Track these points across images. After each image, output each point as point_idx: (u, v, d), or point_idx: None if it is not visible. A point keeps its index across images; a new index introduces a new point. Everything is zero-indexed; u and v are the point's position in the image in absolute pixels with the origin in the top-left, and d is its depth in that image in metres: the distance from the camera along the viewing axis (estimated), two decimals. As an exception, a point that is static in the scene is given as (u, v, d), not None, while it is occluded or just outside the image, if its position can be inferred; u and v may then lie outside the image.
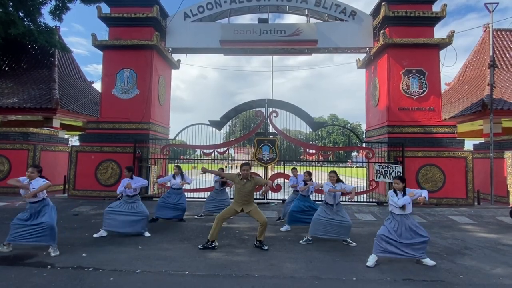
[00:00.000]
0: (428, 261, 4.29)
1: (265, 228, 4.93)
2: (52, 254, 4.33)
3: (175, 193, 6.92)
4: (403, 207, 4.29)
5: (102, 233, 5.49)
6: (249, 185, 4.85)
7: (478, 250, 5.11)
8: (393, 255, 4.26)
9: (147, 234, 5.60)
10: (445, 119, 11.67)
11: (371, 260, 4.27)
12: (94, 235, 5.44)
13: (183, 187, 7.30)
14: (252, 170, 9.69)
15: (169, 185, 7.36)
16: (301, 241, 5.35)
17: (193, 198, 9.35)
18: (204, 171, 5.39)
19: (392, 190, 4.44)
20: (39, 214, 4.43)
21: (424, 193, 4.26)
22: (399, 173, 8.95)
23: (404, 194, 4.31)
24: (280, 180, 9.66)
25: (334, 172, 5.43)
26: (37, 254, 4.37)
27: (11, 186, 4.37)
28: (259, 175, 9.11)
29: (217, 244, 4.90)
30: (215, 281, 3.61)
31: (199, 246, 4.85)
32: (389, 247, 4.26)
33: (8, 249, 4.46)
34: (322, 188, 5.51)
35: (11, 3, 10.41)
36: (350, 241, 5.31)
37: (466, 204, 9.15)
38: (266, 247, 4.88)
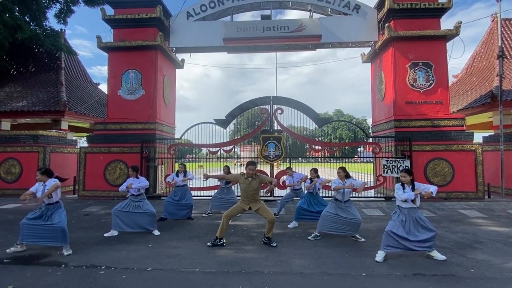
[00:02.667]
0: (438, 255, 4.26)
1: (273, 225, 4.94)
2: (65, 253, 4.43)
3: (180, 190, 7.02)
4: (413, 201, 4.25)
5: (113, 232, 5.59)
6: (255, 184, 4.87)
7: (489, 244, 5.05)
8: (401, 250, 4.25)
9: (156, 232, 5.67)
10: (453, 111, 11.49)
11: (380, 255, 4.26)
12: (105, 235, 5.54)
13: (189, 185, 7.39)
14: (258, 168, 9.75)
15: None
16: (309, 237, 5.36)
17: (200, 196, 9.43)
18: (206, 177, 5.39)
19: (400, 183, 4.40)
20: (51, 217, 4.55)
21: (432, 189, 4.18)
22: (406, 168, 8.85)
23: (413, 188, 4.27)
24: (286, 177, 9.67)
25: (343, 168, 5.36)
26: (51, 254, 4.47)
27: (26, 198, 4.50)
28: (265, 173, 9.17)
29: (225, 241, 4.94)
30: (225, 278, 3.65)
31: (208, 244, 4.90)
32: (396, 244, 4.25)
33: (22, 248, 4.58)
34: (330, 184, 5.48)
35: (17, 8, 10.57)
36: (359, 237, 5.29)
37: (476, 198, 9.03)
38: (274, 244, 4.91)
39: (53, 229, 4.47)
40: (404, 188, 4.29)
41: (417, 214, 4.33)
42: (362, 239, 5.26)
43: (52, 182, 4.54)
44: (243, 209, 4.99)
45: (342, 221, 5.22)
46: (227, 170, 7.39)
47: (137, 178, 5.75)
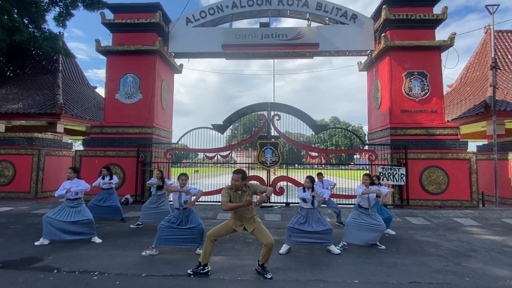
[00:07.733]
0: (334, 249, 4.90)
1: (270, 251, 3.84)
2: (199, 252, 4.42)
3: (105, 193, 7.16)
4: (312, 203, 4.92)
5: (43, 241, 5.09)
6: (247, 197, 3.78)
7: (484, 252, 5.08)
8: (303, 243, 4.97)
9: (97, 240, 5.31)
10: (447, 120, 11.66)
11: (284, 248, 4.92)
12: (36, 243, 5.06)
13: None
14: (255, 174, 9.71)
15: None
16: (337, 246, 5.04)
17: (202, 201, 9.37)
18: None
19: (302, 187, 5.08)
20: (188, 219, 4.80)
21: (326, 194, 5.02)
22: (402, 175, 8.94)
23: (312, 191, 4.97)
24: (283, 183, 9.67)
25: (368, 175, 5.43)
26: (43, 259, 4.39)
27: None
28: (261, 179, 9.13)
29: (210, 268, 3.95)
30: (220, 285, 3.61)
31: (189, 271, 3.88)
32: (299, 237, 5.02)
33: (156, 252, 4.72)
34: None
35: (16, 10, 10.56)
36: (379, 244, 5.24)
37: (471, 206, 9.10)
38: (269, 275, 3.82)
39: (193, 231, 4.74)
40: (304, 191, 4.97)
41: (315, 214, 4.95)
42: (383, 246, 5.22)
43: (193, 189, 4.76)
44: (233, 230, 3.94)
45: (367, 227, 5.19)
46: (160, 174, 6.58)
47: (77, 180, 5.28)
